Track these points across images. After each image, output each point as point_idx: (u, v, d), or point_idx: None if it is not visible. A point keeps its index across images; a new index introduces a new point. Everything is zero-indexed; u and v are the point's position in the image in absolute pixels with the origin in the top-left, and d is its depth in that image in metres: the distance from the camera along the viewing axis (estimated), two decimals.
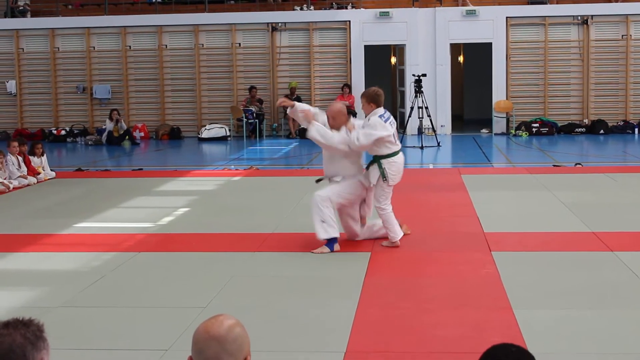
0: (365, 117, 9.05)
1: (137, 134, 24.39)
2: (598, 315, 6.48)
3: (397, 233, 9.06)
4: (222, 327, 2.89)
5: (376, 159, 8.98)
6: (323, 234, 8.76)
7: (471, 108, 29.40)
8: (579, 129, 23.89)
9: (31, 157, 15.31)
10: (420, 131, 21.84)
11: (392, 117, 9.17)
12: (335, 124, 8.96)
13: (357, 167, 9.13)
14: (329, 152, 9.08)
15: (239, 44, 25.16)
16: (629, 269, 7.85)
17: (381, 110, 9.00)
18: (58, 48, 25.78)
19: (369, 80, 24.82)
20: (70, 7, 26.95)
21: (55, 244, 9.74)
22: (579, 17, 24.15)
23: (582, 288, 7.28)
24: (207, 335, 2.87)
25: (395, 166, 8.99)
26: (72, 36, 25.72)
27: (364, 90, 9.28)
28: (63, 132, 24.94)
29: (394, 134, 9.02)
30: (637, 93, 24.11)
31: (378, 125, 8.83)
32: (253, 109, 24.11)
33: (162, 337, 6.09)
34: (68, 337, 6.13)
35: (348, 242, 9.21)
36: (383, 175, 8.92)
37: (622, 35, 24.11)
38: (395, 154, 9.02)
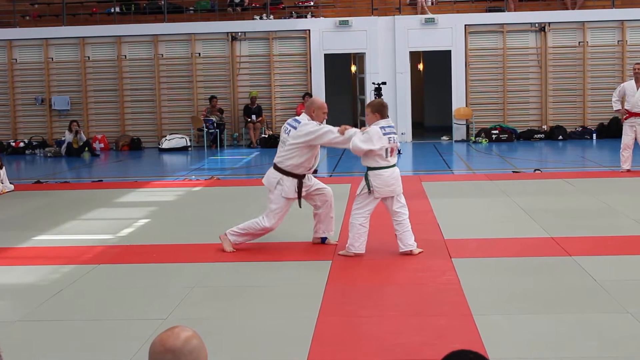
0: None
1: (97, 145, 24.26)
2: (557, 320, 6.52)
3: (355, 247, 9.00)
4: (178, 340, 2.86)
5: (366, 171, 8.98)
6: None
7: (431, 115, 29.60)
8: (538, 135, 24.15)
9: None
10: None
11: (394, 134, 9.06)
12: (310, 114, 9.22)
13: None
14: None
15: (199, 53, 25.12)
16: (587, 273, 7.92)
17: (383, 122, 8.93)
18: (16, 59, 25.57)
19: (329, 89, 24.94)
20: (27, 18, 26.73)
21: (13, 257, 9.62)
22: (537, 25, 24.42)
23: (541, 293, 7.33)
24: (162, 349, 2.84)
25: (381, 179, 8.82)
26: (30, 47, 25.54)
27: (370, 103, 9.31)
28: (22, 144, 24.73)
29: (387, 149, 8.85)
30: (594, 99, 24.40)
31: (375, 136, 8.77)
32: (214, 119, 24.07)
33: (123, 350, 6.04)
34: (26, 352, 6.06)
35: (309, 251, 9.22)
36: (368, 186, 8.87)
37: (579, 42, 24.40)
38: (382, 168, 8.87)
